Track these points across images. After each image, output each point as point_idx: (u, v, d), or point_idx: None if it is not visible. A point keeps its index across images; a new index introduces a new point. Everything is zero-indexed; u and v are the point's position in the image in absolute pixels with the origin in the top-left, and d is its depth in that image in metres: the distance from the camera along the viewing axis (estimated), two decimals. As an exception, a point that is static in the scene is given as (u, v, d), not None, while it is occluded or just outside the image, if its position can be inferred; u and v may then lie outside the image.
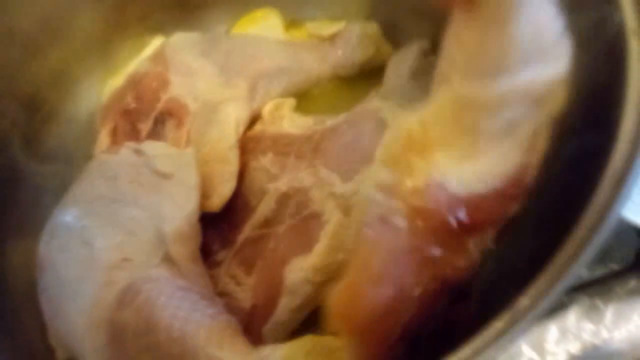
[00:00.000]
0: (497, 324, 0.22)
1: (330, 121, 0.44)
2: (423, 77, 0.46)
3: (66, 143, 0.50)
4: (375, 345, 0.27)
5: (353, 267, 0.29)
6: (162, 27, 0.55)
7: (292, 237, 0.38)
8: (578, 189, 0.26)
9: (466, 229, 0.30)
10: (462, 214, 0.29)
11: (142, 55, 0.54)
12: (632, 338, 0.44)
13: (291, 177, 0.40)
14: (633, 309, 0.45)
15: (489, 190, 0.30)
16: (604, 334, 0.44)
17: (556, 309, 0.45)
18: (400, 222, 0.29)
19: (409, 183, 0.30)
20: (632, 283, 0.46)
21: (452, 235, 0.29)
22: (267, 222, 0.39)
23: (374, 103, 0.44)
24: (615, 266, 0.47)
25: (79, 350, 0.35)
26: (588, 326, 0.45)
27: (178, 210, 0.37)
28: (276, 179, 0.41)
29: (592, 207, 0.24)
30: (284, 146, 0.43)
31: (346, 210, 0.38)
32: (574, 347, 0.44)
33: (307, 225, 0.38)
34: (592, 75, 0.29)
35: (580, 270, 0.24)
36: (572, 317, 0.45)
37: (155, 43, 0.55)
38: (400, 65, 0.49)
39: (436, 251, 0.29)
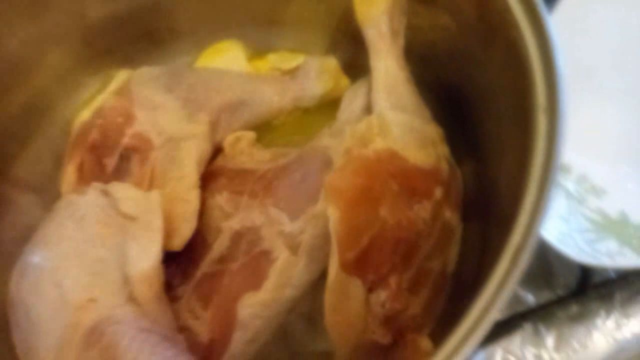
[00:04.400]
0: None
1: (282, 159, 0.47)
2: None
3: (36, 178, 0.52)
4: (352, 215, 0.38)
5: (342, 165, 0.40)
6: (130, 60, 0.57)
7: (244, 273, 0.41)
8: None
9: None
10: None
11: (108, 89, 0.56)
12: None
13: (244, 216, 0.43)
14: (573, 334, 0.49)
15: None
16: (546, 357, 0.48)
17: (502, 334, 0.49)
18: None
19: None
20: (574, 309, 0.50)
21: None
22: (223, 259, 0.42)
23: (323, 141, 0.47)
24: (560, 292, 0.50)
25: (49, 386, 0.38)
26: (531, 350, 0.48)
27: (142, 253, 0.40)
28: (230, 218, 0.44)
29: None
30: (238, 185, 0.45)
31: (293, 248, 0.41)
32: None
33: (257, 263, 0.41)
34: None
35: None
36: (516, 341, 0.49)
37: (122, 76, 0.56)
38: (353, 100, 0.52)
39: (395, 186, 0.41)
